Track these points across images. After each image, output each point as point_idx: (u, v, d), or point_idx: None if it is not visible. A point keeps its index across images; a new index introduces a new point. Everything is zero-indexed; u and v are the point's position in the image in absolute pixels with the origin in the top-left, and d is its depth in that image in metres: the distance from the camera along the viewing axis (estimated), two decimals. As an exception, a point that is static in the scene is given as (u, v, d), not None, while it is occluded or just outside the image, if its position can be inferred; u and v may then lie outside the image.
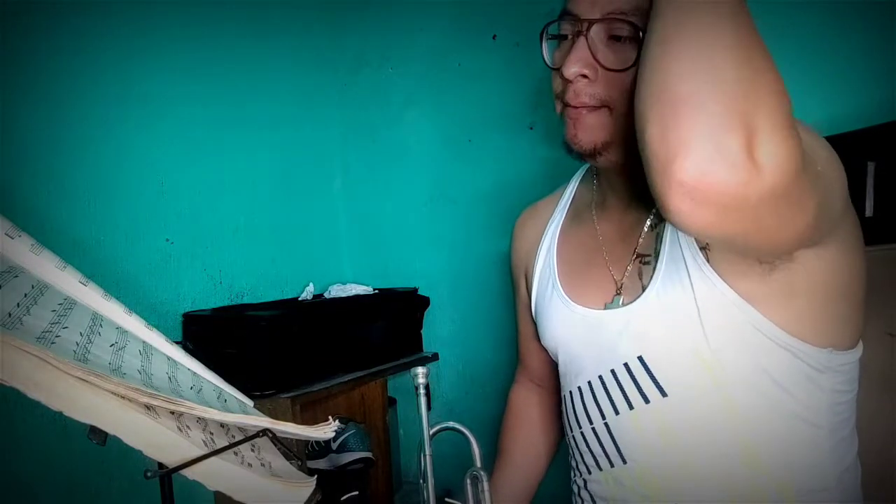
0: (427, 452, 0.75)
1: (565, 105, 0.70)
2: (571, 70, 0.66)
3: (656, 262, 0.71)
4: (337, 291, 1.50)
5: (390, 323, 1.47)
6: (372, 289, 1.53)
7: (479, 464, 0.80)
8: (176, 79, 1.36)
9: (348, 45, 1.72)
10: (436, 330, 1.59)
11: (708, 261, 0.67)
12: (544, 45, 0.73)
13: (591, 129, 0.69)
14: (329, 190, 1.74)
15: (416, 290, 1.56)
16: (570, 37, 0.68)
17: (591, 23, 0.65)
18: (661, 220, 0.72)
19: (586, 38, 0.66)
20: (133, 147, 1.28)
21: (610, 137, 0.68)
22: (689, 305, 0.68)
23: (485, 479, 0.78)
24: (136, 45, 1.29)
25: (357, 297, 1.48)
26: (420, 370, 0.75)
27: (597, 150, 0.69)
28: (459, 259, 1.56)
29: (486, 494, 0.77)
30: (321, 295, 1.53)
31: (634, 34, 0.64)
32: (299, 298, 1.52)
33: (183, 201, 1.36)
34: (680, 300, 0.68)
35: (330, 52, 1.72)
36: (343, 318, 1.37)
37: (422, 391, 0.74)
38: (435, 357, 1.55)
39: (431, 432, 0.76)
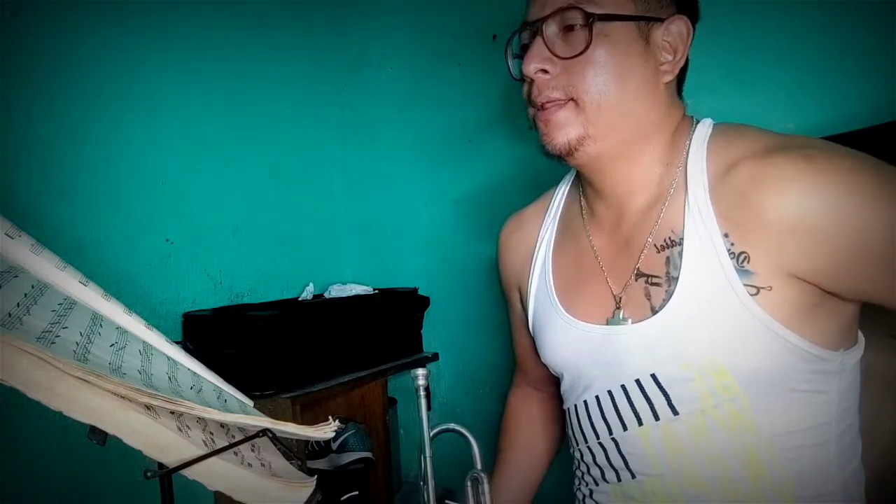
0: (427, 454, 0.75)
1: (536, 110, 0.73)
2: (531, 67, 0.70)
3: (671, 285, 0.70)
4: (337, 291, 1.50)
5: (390, 323, 1.47)
6: (372, 289, 1.53)
7: (479, 465, 0.79)
8: (176, 79, 1.36)
9: (348, 45, 1.72)
10: (436, 330, 1.58)
11: (755, 294, 0.65)
12: (510, 62, 0.78)
13: (562, 126, 0.71)
14: (329, 190, 1.73)
15: (416, 290, 1.56)
16: (530, 44, 0.72)
17: (543, 20, 0.70)
18: (670, 244, 0.71)
19: (542, 37, 0.70)
20: (133, 147, 1.28)
21: (582, 130, 0.71)
22: (711, 329, 0.67)
23: (485, 480, 0.77)
24: (136, 45, 1.29)
25: (357, 297, 1.47)
26: (420, 371, 0.75)
27: (571, 146, 0.72)
28: (460, 259, 1.56)
29: (487, 496, 0.77)
30: (321, 295, 1.53)
31: (586, 20, 0.67)
32: (299, 298, 1.52)
33: (183, 201, 1.36)
34: (701, 325, 0.67)
35: (330, 52, 1.72)
36: (343, 318, 1.37)
37: (422, 393, 0.74)
38: (435, 357, 1.55)
39: (432, 434, 0.76)
